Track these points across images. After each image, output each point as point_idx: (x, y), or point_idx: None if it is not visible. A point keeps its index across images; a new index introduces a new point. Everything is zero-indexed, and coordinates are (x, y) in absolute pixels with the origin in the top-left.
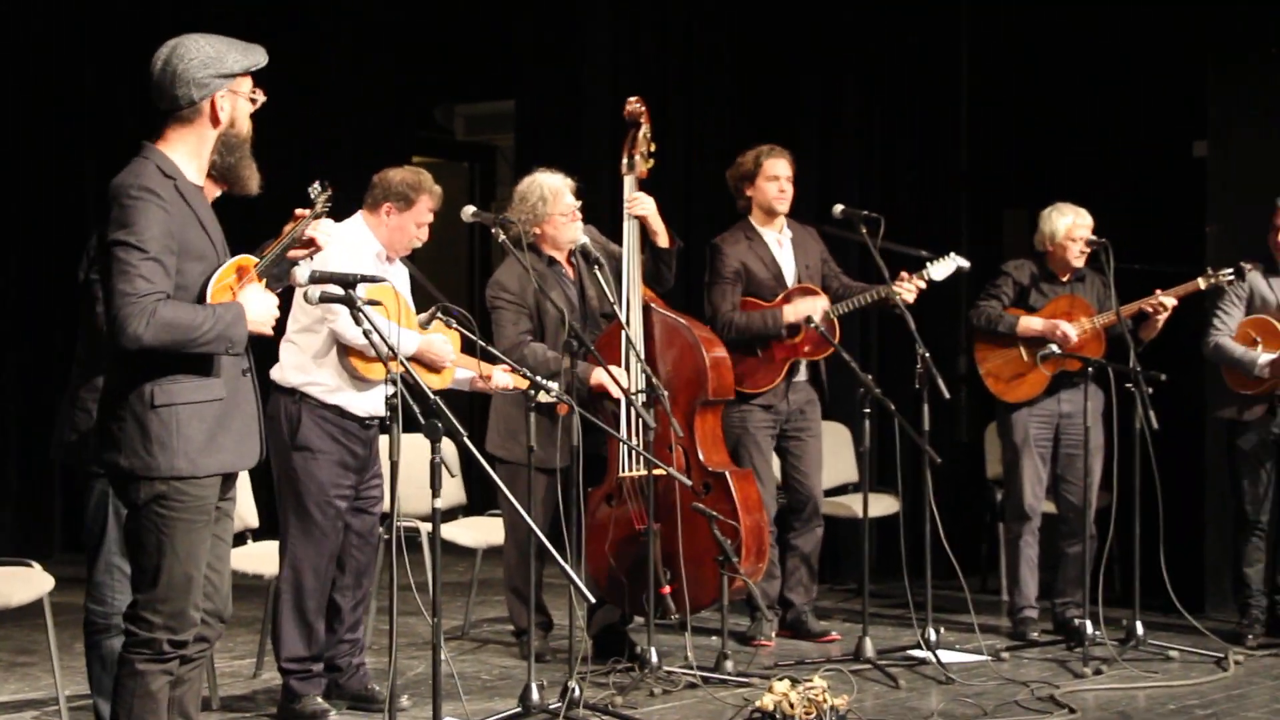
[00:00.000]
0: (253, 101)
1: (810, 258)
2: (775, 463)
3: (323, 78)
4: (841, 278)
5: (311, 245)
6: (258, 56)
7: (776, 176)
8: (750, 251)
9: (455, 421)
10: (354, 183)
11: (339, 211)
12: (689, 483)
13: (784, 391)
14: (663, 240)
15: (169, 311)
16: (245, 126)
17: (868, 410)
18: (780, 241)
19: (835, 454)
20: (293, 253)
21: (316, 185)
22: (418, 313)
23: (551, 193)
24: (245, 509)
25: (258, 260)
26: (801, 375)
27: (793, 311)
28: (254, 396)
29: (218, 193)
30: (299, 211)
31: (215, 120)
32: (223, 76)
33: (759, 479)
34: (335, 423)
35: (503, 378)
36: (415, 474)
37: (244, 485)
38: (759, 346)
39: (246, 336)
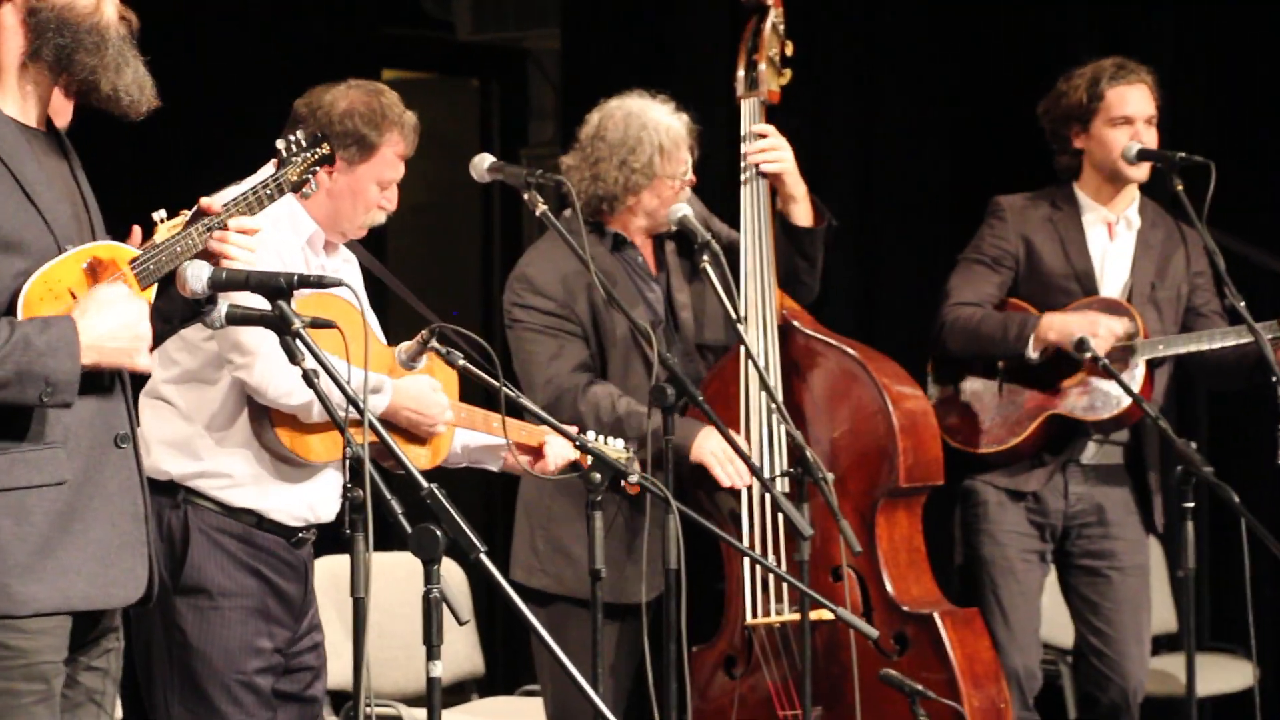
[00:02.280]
0: None
1: (1167, 269)
2: (1042, 595)
3: None
4: (1216, 324)
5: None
6: None
7: (1129, 118)
8: (1048, 228)
9: (467, 528)
10: (277, 117)
11: (245, 170)
12: (872, 633)
13: (1050, 476)
14: (803, 214)
15: None
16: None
17: (1190, 505)
18: (1114, 229)
19: None
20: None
21: (299, 136)
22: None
23: (672, 140)
24: None
25: (137, 253)
26: (1099, 457)
27: (1057, 327)
28: (136, 482)
29: (68, 114)
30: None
31: None
32: None
33: (1003, 623)
34: (248, 540)
35: (560, 448)
36: (395, 624)
37: None
38: (1001, 376)
39: (77, 373)
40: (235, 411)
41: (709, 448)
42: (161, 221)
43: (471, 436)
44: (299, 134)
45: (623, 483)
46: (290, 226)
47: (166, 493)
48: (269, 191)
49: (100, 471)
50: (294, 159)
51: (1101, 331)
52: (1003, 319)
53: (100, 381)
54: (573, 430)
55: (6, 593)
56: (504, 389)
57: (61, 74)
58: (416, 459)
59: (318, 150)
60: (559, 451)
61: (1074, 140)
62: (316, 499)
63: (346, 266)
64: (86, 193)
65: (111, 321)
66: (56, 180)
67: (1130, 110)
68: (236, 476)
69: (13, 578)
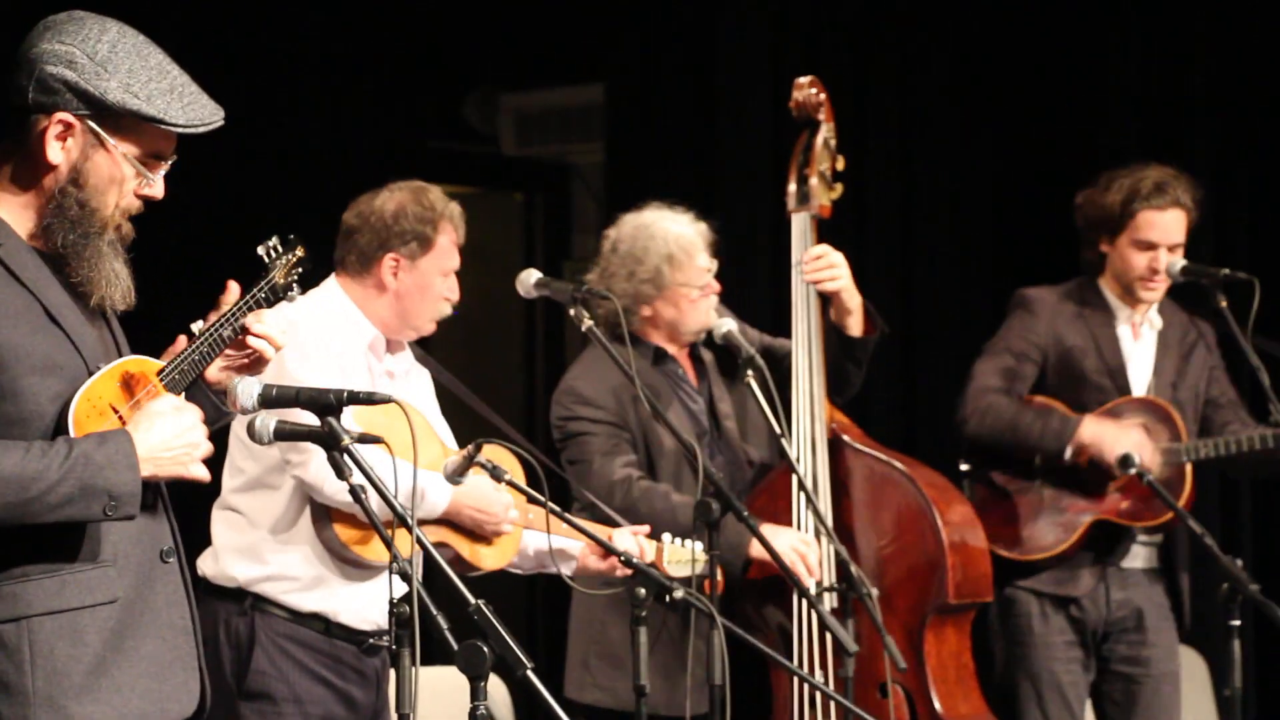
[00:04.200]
0: (141, 180)
1: (1187, 369)
2: (1085, 708)
3: (285, 62)
4: (1238, 412)
5: (250, 353)
6: (175, 110)
7: (1152, 244)
8: (1079, 324)
9: (512, 641)
10: (322, 230)
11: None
12: None
13: (1098, 580)
14: (857, 325)
15: None
16: (103, 201)
17: (1236, 623)
18: (1138, 330)
19: (1185, 702)
20: (224, 365)
21: (274, 242)
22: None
23: (682, 249)
24: None
25: (163, 365)
26: (1137, 560)
27: (1096, 432)
28: (183, 595)
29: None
30: (228, 293)
31: (44, 158)
32: (83, 99)
33: None
34: (316, 646)
35: (630, 543)
36: None
37: None
38: (1040, 477)
39: (138, 485)
40: (298, 514)
41: (783, 544)
42: (200, 332)
43: (541, 539)
44: (275, 239)
45: (667, 598)
46: (352, 333)
47: (234, 599)
48: (263, 295)
49: (149, 587)
50: (276, 263)
51: (1143, 447)
52: (1042, 414)
53: (145, 498)
54: (637, 546)
55: (65, 715)
56: (548, 505)
57: (58, 257)
58: (483, 559)
59: (294, 253)
60: (630, 547)
61: (1100, 243)
62: (384, 604)
63: (415, 371)
64: (109, 312)
65: (164, 432)
66: (78, 302)
67: (1155, 237)
68: (300, 578)
69: (69, 699)
